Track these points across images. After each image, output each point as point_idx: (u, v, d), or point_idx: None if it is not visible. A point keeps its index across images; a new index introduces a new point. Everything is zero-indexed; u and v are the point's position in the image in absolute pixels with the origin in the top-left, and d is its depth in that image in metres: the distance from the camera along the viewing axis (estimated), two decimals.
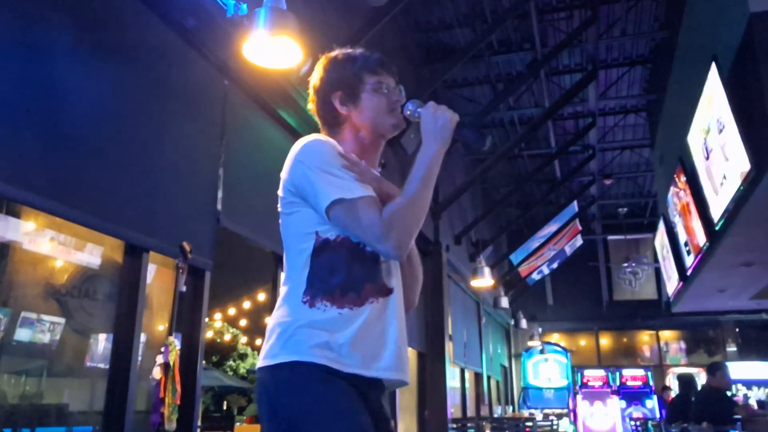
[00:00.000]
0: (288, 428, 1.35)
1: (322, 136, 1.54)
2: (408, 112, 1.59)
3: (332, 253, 1.45)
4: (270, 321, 1.48)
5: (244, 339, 15.63)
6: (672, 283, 9.90)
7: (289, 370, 1.37)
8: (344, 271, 1.44)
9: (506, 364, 15.85)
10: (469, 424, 8.81)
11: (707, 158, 6.20)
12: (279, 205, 1.57)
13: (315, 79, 1.65)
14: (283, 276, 1.56)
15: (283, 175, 1.53)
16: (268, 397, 1.39)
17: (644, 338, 17.05)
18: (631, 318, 16.14)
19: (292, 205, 1.51)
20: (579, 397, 14.58)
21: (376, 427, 1.40)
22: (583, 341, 17.39)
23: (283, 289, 1.50)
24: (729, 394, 5.67)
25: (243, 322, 14.09)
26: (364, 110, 1.59)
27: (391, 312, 1.48)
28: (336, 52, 1.66)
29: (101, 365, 3.25)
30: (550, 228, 12.77)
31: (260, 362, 1.44)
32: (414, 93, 7.15)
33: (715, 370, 5.57)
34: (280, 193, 1.56)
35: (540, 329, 16.13)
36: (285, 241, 1.54)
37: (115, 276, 3.26)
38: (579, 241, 14.71)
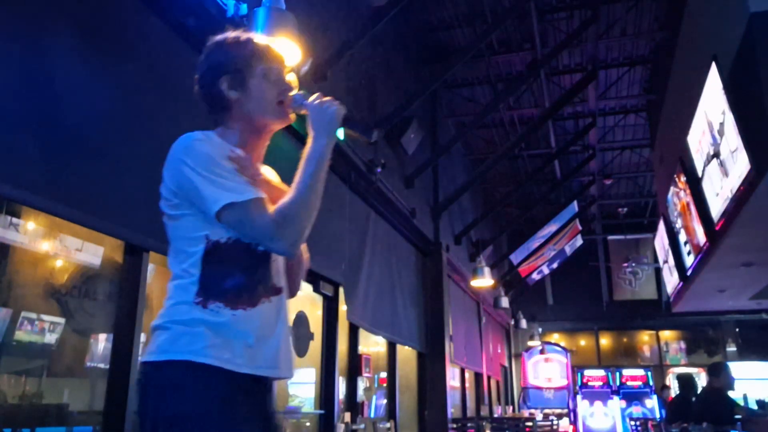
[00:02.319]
0: (165, 427, 1.33)
1: (205, 135, 1.49)
2: (296, 104, 1.56)
3: (224, 255, 1.42)
4: (157, 319, 1.42)
5: None
6: (672, 283, 9.90)
7: (178, 369, 1.35)
8: (237, 274, 1.43)
9: (506, 364, 15.86)
10: (469, 424, 8.81)
11: (707, 158, 6.20)
12: (161, 205, 1.49)
13: (202, 61, 1.59)
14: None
15: (165, 174, 1.46)
16: (152, 394, 1.37)
17: (644, 338, 17.05)
18: (631, 318, 16.15)
19: (178, 207, 1.45)
20: (579, 397, 14.58)
21: (264, 426, 1.43)
22: (583, 341, 17.40)
23: (171, 289, 1.44)
24: (731, 394, 5.65)
25: None
26: (252, 97, 1.55)
27: (279, 311, 1.50)
28: (226, 35, 1.59)
29: (101, 365, 3.25)
30: (550, 228, 12.77)
31: (146, 356, 1.40)
32: (414, 93, 7.16)
33: (719, 371, 5.54)
34: (162, 192, 1.48)
35: (540, 329, 16.13)
36: (172, 243, 1.48)
37: (115, 276, 3.26)
38: (579, 241, 14.71)
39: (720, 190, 5.87)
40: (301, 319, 5.28)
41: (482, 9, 7.74)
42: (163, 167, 1.49)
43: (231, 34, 1.60)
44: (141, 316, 3.22)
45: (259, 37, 1.62)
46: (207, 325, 1.37)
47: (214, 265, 1.42)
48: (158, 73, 3.46)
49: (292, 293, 1.65)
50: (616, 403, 14.29)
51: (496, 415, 12.20)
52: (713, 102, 5.57)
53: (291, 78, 1.62)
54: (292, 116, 1.59)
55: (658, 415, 13.03)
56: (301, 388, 5.61)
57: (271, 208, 1.41)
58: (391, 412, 7.21)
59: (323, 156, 1.47)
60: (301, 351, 5.22)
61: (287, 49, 3.39)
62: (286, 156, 5.09)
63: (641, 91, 10.04)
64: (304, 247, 1.66)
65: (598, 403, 14.41)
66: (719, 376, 5.51)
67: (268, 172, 1.65)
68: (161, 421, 1.33)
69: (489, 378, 12.82)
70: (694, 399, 6.06)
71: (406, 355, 7.97)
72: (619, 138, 11.62)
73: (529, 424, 8.83)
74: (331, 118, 1.51)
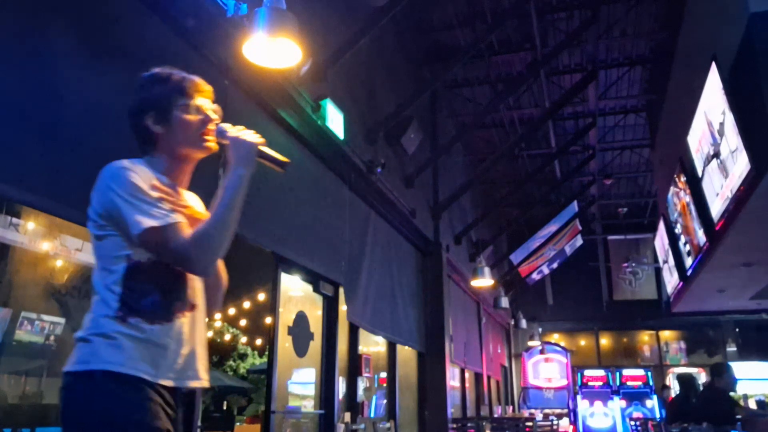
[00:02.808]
0: None
1: (131, 163, 1.58)
2: (218, 135, 1.67)
3: (144, 274, 1.54)
4: (80, 332, 1.53)
5: (244, 339, 15.62)
6: (672, 283, 9.90)
7: (97, 379, 1.45)
8: (155, 292, 1.54)
9: (506, 364, 15.86)
10: (469, 424, 8.81)
11: (707, 158, 6.20)
12: (89, 226, 1.60)
13: (133, 99, 1.70)
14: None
15: (93, 198, 1.57)
16: (72, 402, 1.47)
17: (644, 338, 17.05)
18: (631, 318, 16.15)
19: (104, 228, 1.56)
20: (579, 397, 14.58)
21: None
22: (583, 341, 17.40)
23: (94, 304, 1.55)
24: (732, 395, 5.64)
25: (243, 322, 14.07)
26: (176, 131, 1.66)
27: (195, 325, 1.62)
28: (152, 72, 1.70)
29: None
30: (550, 228, 12.77)
31: (68, 366, 1.50)
32: (414, 93, 7.16)
33: (722, 371, 5.53)
34: (90, 214, 1.59)
35: (540, 329, 16.13)
36: (97, 262, 1.59)
37: None
38: (579, 241, 14.71)
39: (720, 190, 5.87)
40: (301, 319, 5.28)
41: (482, 9, 7.74)
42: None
43: (156, 71, 1.71)
44: None
45: (183, 73, 1.72)
46: (127, 338, 1.48)
47: (135, 283, 1.53)
48: None
49: (211, 310, 1.78)
50: (616, 403, 14.29)
51: (496, 415, 12.20)
52: (713, 102, 5.57)
53: (214, 108, 1.72)
54: (214, 146, 1.70)
55: (658, 415, 13.03)
56: (301, 388, 5.60)
57: (189, 233, 1.53)
58: (391, 412, 7.21)
59: (240, 185, 1.59)
60: (301, 351, 5.22)
61: (287, 49, 3.39)
62: (275, 146, 5.08)
63: (641, 91, 10.04)
64: (222, 268, 1.79)
65: (598, 403, 14.41)
66: (722, 376, 5.50)
67: (192, 198, 1.77)
68: (80, 429, 1.44)
69: (489, 378, 12.82)
70: (694, 399, 6.06)
71: (406, 355, 7.97)
72: (619, 138, 11.62)
73: (529, 424, 8.83)
74: (248, 150, 1.63)
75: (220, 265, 1.77)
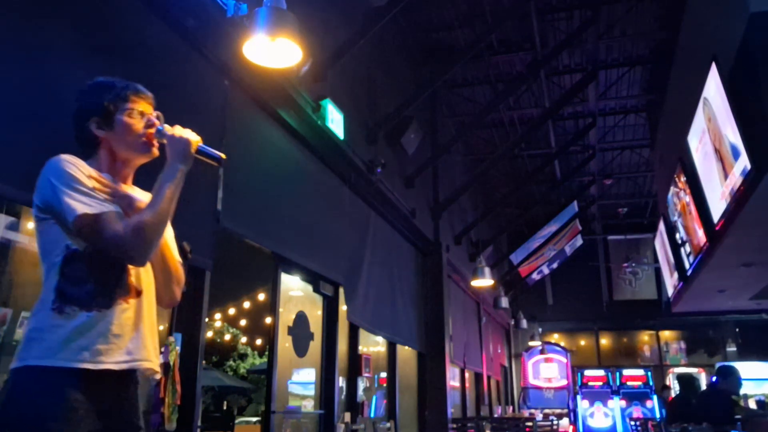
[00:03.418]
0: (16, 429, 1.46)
1: (70, 157, 1.64)
2: (158, 136, 1.75)
3: (81, 263, 1.58)
4: (24, 327, 1.60)
5: (244, 339, 15.63)
6: (672, 283, 9.90)
7: (25, 375, 1.49)
8: (93, 279, 1.58)
9: (506, 364, 15.86)
10: (469, 424, 8.81)
11: (707, 158, 6.20)
12: (35, 223, 1.66)
13: (76, 104, 1.77)
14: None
15: (36, 189, 1.63)
16: (5, 399, 1.50)
17: (644, 338, 17.05)
18: (631, 318, 16.15)
19: (43, 220, 1.62)
20: (579, 397, 14.58)
21: (119, 418, 1.59)
22: (583, 341, 17.40)
23: (38, 299, 1.60)
24: (734, 397, 5.62)
25: (243, 322, 14.08)
26: (118, 135, 1.73)
27: (140, 311, 1.67)
28: (97, 80, 1.79)
29: None
30: (550, 228, 12.77)
31: (12, 364, 1.54)
32: (414, 93, 7.15)
33: (728, 374, 5.50)
34: (33, 210, 1.65)
35: (540, 329, 16.14)
36: (40, 254, 1.64)
37: None
38: (579, 241, 14.71)
39: (720, 190, 5.87)
40: (301, 319, 5.28)
41: (482, 9, 7.74)
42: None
43: (101, 79, 1.78)
44: None
45: (125, 81, 1.80)
46: (62, 328, 1.52)
47: (72, 271, 1.58)
48: (158, 73, 3.46)
49: (168, 302, 1.83)
50: (616, 403, 14.29)
51: (496, 415, 12.20)
52: (713, 102, 5.56)
53: (155, 113, 1.80)
54: (156, 151, 1.78)
55: (658, 415, 13.03)
56: (301, 388, 5.61)
57: (124, 222, 1.59)
58: (391, 412, 7.21)
59: (176, 179, 1.66)
60: (301, 351, 5.22)
61: (287, 49, 3.39)
62: (275, 146, 5.08)
63: (641, 91, 10.03)
64: (174, 263, 1.83)
65: (598, 403, 14.41)
66: (727, 378, 5.48)
67: (136, 192, 1.81)
68: (12, 423, 1.46)
69: (489, 378, 12.82)
70: (694, 399, 6.06)
71: (406, 355, 7.97)
72: (619, 138, 11.62)
73: (529, 424, 8.84)
74: (184, 147, 1.70)
75: (172, 259, 1.82)
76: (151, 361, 1.68)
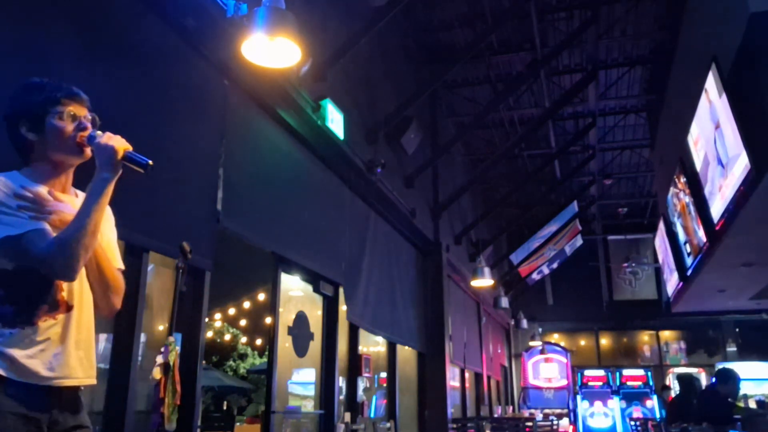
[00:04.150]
0: None
1: None
2: (89, 142, 1.70)
3: (7, 282, 1.59)
4: None
5: (244, 339, 15.63)
6: (672, 283, 9.90)
7: None
8: (18, 298, 1.59)
9: (506, 364, 15.86)
10: (469, 424, 8.81)
11: (707, 158, 6.20)
12: None
13: (7, 106, 1.73)
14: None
15: None
16: None
17: (644, 338, 17.05)
18: (631, 318, 16.15)
19: None
20: (579, 397, 14.57)
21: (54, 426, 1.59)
22: (583, 341, 17.40)
23: None
24: (731, 400, 5.62)
25: (243, 322, 14.08)
26: (48, 138, 1.69)
27: (67, 325, 1.65)
28: (28, 81, 1.74)
29: (101, 365, 3.25)
30: (550, 228, 12.77)
31: None
32: (414, 93, 7.14)
33: (727, 378, 5.49)
34: None
35: (540, 329, 16.14)
36: None
37: None
38: (579, 241, 14.71)
39: (720, 190, 5.87)
40: (301, 319, 5.28)
41: (482, 9, 7.74)
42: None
43: (33, 80, 1.74)
44: (141, 316, 3.23)
45: (58, 83, 1.75)
46: None
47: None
48: (159, 73, 3.46)
49: (107, 311, 1.81)
50: (616, 403, 14.29)
51: (496, 415, 12.20)
52: (713, 102, 5.56)
53: (87, 116, 1.76)
54: (89, 152, 1.72)
55: (658, 415, 13.03)
56: (301, 388, 5.60)
57: (47, 241, 1.57)
58: (391, 412, 7.21)
59: (103, 189, 1.63)
60: (301, 351, 5.22)
61: (286, 49, 3.39)
62: (275, 146, 5.08)
63: (641, 91, 10.03)
64: (112, 272, 1.78)
65: (598, 403, 14.41)
66: (727, 383, 5.47)
67: (77, 202, 1.77)
68: None
69: (489, 378, 12.82)
70: (694, 400, 6.06)
71: (406, 355, 7.97)
72: (619, 138, 11.62)
73: (529, 424, 8.83)
74: (110, 154, 1.64)
75: (109, 269, 1.78)
76: (80, 376, 1.67)
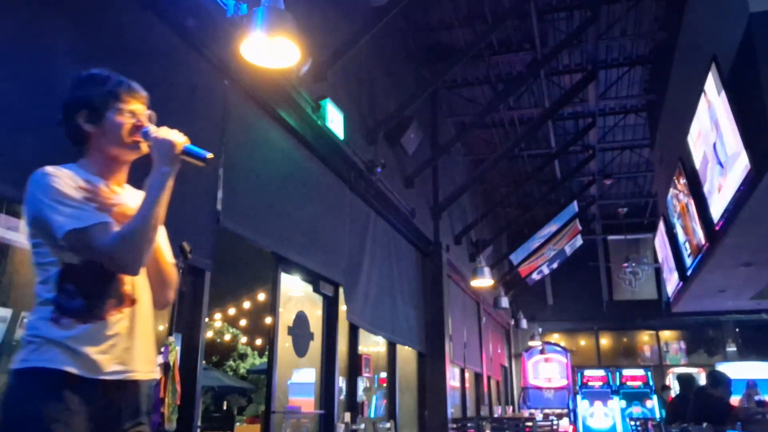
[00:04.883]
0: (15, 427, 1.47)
1: (54, 169, 1.64)
2: (145, 138, 1.70)
3: (75, 276, 1.59)
4: (23, 333, 1.60)
5: (244, 339, 15.63)
6: (672, 283, 9.90)
7: (28, 376, 1.51)
8: (87, 292, 1.59)
9: (506, 364, 15.86)
10: (469, 424, 8.81)
11: (707, 158, 6.20)
12: (27, 238, 1.67)
13: (66, 96, 1.75)
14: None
15: (24, 208, 1.64)
16: (7, 397, 1.52)
17: (644, 338, 17.05)
18: (631, 318, 16.15)
19: (35, 236, 1.62)
20: (579, 397, 14.58)
21: (121, 428, 1.59)
22: (583, 341, 17.40)
23: (34, 308, 1.61)
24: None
25: (243, 322, 14.09)
26: (107, 131, 1.70)
27: (135, 320, 1.66)
28: (90, 72, 1.75)
29: None
30: (550, 228, 12.78)
31: (11, 365, 1.56)
32: (414, 93, 7.14)
33: (717, 383, 5.49)
34: (26, 225, 1.66)
35: (540, 329, 16.13)
36: (36, 270, 1.64)
37: None
38: (579, 241, 14.71)
39: (720, 190, 5.87)
40: (301, 319, 5.28)
41: (482, 9, 7.74)
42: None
43: (95, 71, 1.75)
44: None
45: (119, 76, 1.76)
46: (57, 337, 1.54)
47: (66, 285, 1.58)
48: (158, 73, 3.46)
49: (162, 305, 1.83)
50: (616, 403, 14.29)
51: (496, 415, 12.19)
52: (713, 102, 5.56)
53: (147, 114, 1.77)
54: (145, 148, 1.72)
55: (658, 415, 13.03)
56: (301, 388, 5.61)
57: (113, 232, 1.58)
58: (391, 412, 7.21)
59: (163, 184, 1.63)
60: (301, 351, 5.22)
61: (286, 49, 3.39)
62: (275, 146, 5.08)
63: (641, 91, 10.03)
64: (166, 266, 1.81)
65: (598, 403, 14.41)
66: (717, 387, 5.48)
67: (130, 195, 1.79)
68: (16, 420, 1.48)
69: (489, 378, 12.82)
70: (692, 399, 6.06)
71: (406, 355, 7.97)
72: (619, 138, 11.62)
73: (529, 424, 8.83)
74: (168, 149, 1.65)
75: (165, 263, 1.81)
76: (145, 371, 1.68)
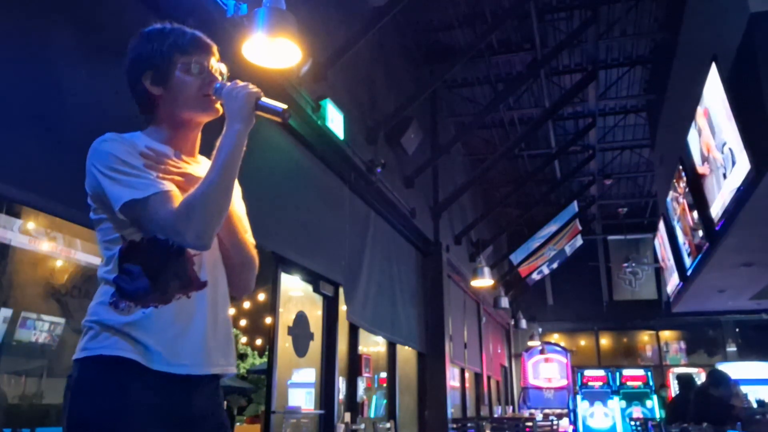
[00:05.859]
0: (78, 420, 1.35)
1: (116, 135, 1.47)
2: (217, 94, 1.51)
3: (138, 254, 1.42)
4: (84, 318, 1.46)
5: (244, 339, 15.63)
6: (672, 283, 9.90)
7: (92, 365, 1.37)
8: (149, 272, 1.41)
9: (506, 364, 15.86)
10: (469, 424, 8.81)
11: (707, 158, 6.20)
12: (90, 215, 1.51)
13: (128, 54, 1.56)
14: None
15: (86, 181, 1.47)
16: (71, 389, 1.39)
17: (644, 338, 17.05)
18: (631, 318, 16.15)
19: (97, 211, 1.46)
20: (579, 397, 14.58)
21: (184, 426, 1.40)
22: (583, 341, 17.40)
23: (97, 291, 1.47)
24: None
25: (243, 322, 14.09)
26: (175, 92, 1.51)
27: (202, 305, 1.45)
28: (149, 28, 1.57)
29: None
30: (550, 228, 12.77)
31: (75, 354, 1.43)
32: (414, 93, 7.13)
33: (719, 383, 5.49)
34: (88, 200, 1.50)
35: (540, 329, 16.14)
36: (100, 249, 1.49)
37: None
38: (579, 241, 14.71)
39: (720, 190, 5.87)
40: (301, 319, 5.28)
41: (482, 9, 7.74)
42: None
43: (155, 27, 1.57)
44: None
45: (182, 28, 1.58)
46: (118, 324, 1.37)
47: (128, 264, 1.41)
48: None
49: (239, 292, 1.63)
50: (616, 403, 14.29)
51: (496, 415, 12.20)
52: (713, 102, 5.56)
53: (219, 67, 1.57)
54: (219, 108, 1.54)
55: (658, 415, 13.03)
56: (301, 388, 5.61)
57: (177, 202, 1.39)
58: (391, 412, 7.21)
59: (236, 143, 1.43)
60: (301, 351, 5.22)
61: (286, 49, 3.39)
62: (275, 146, 5.07)
63: (641, 91, 10.03)
64: (244, 247, 1.60)
65: (598, 403, 14.41)
66: (718, 387, 5.48)
67: (204, 168, 1.56)
68: (76, 413, 1.36)
69: (489, 378, 12.82)
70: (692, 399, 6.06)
71: (406, 355, 7.97)
72: (619, 138, 11.62)
73: (529, 424, 8.83)
74: (241, 103, 1.45)
75: (244, 241, 1.59)
76: (219, 364, 1.47)
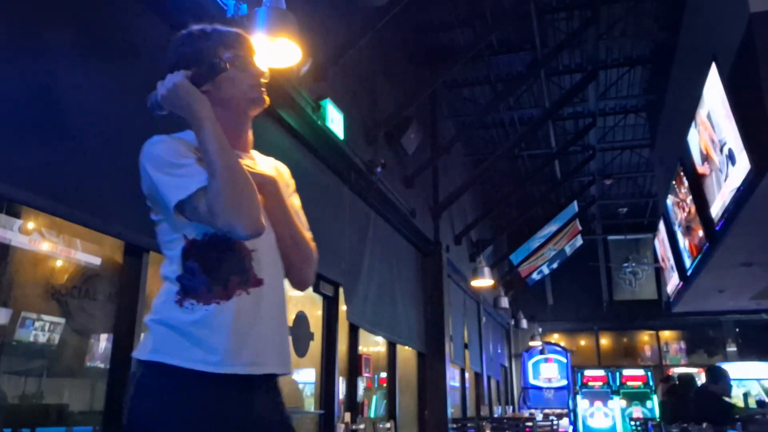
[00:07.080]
0: (135, 423, 1.38)
1: (167, 137, 1.49)
2: (155, 110, 1.55)
3: (199, 251, 1.43)
4: (147, 316, 1.47)
5: None
6: (672, 283, 9.90)
7: (147, 370, 1.40)
8: (210, 268, 1.42)
9: (506, 364, 15.86)
10: (469, 424, 8.81)
11: (707, 158, 6.20)
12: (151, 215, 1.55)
13: (169, 57, 1.60)
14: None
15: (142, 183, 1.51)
16: (130, 390, 1.42)
17: (644, 338, 17.05)
18: (631, 318, 16.15)
19: (156, 213, 1.50)
20: (579, 397, 14.58)
21: (251, 426, 1.41)
22: (583, 341, 17.40)
23: (160, 290, 1.48)
24: (727, 398, 5.63)
25: None
26: (223, 86, 1.53)
27: (261, 303, 1.46)
28: (191, 28, 1.61)
29: (101, 365, 3.25)
30: (550, 228, 12.78)
31: (134, 352, 1.45)
32: (414, 93, 7.14)
33: (717, 377, 5.51)
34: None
35: (540, 329, 16.14)
36: (161, 249, 1.51)
37: (115, 276, 3.26)
38: (579, 241, 14.71)
39: (720, 190, 5.87)
40: (301, 319, 5.28)
41: (482, 9, 7.74)
42: None
43: (196, 27, 1.61)
44: (141, 316, 3.22)
45: (223, 26, 1.62)
46: (181, 323, 1.39)
47: (191, 262, 1.43)
48: (158, 73, 3.45)
49: (299, 285, 1.64)
50: (616, 403, 14.29)
51: (496, 415, 12.20)
52: (713, 102, 5.56)
53: (260, 63, 1.62)
54: (267, 99, 1.59)
55: (657, 415, 13.03)
56: (301, 388, 5.61)
57: None
58: (391, 412, 7.21)
59: (211, 131, 1.43)
60: (301, 351, 5.22)
61: (287, 49, 3.39)
62: (275, 146, 5.07)
63: (641, 91, 10.04)
64: (308, 236, 1.62)
65: (598, 403, 14.42)
66: (717, 382, 5.49)
67: (262, 163, 1.63)
68: (133, 417, 1.38)
69: (489, 378, 12.82)
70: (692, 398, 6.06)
71: (406, 355, 7.97)
72: (619, 138, 11.62)
73: (529, 424, 8.83)
74: (182, 102, 1.47)
75: (300, 233, 1.60)
76: (277, 363, 1.47)
